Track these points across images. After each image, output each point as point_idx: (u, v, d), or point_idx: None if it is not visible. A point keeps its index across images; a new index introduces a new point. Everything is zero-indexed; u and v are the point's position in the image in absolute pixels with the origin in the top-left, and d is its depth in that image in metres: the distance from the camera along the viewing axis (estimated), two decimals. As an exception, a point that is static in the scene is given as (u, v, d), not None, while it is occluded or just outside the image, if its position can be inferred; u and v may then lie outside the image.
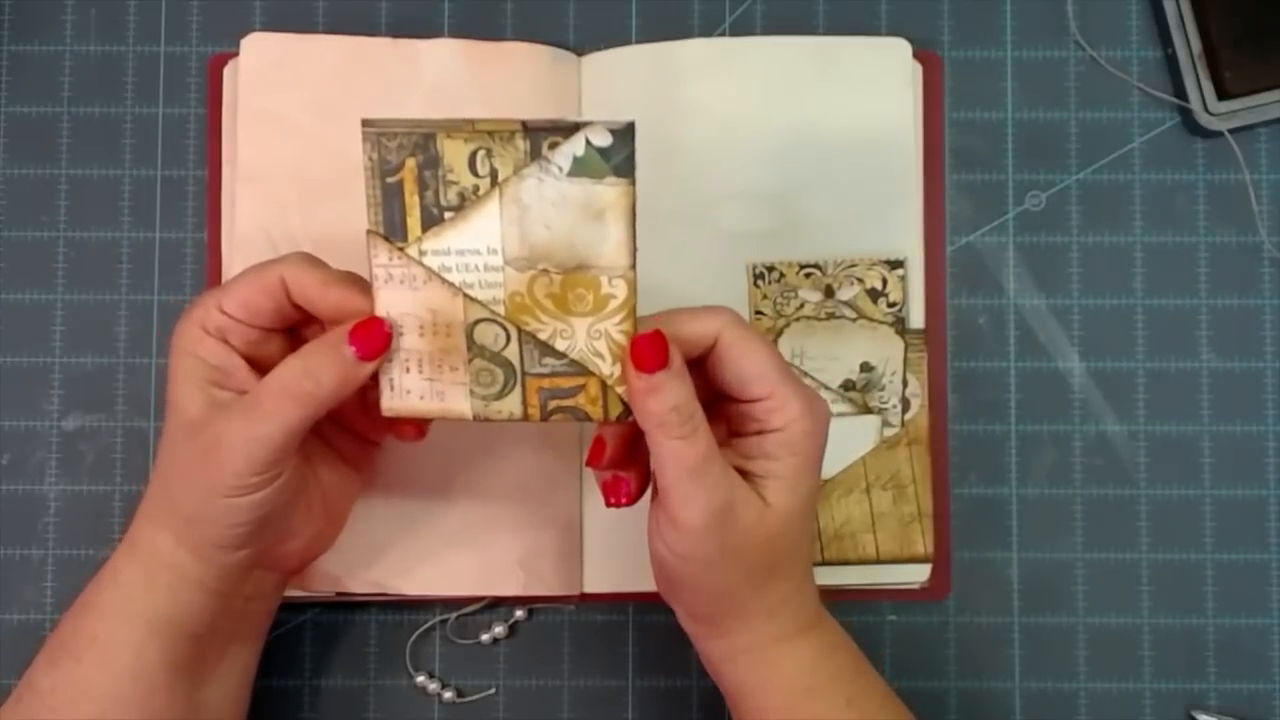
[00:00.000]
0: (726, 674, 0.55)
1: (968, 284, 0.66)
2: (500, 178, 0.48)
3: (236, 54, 0.65)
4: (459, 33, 0.66)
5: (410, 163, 0.49)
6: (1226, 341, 0.66)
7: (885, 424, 0.64)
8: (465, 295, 0.50)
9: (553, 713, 0.65)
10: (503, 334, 0.50)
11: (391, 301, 0.51)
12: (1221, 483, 0.65)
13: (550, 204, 0.48)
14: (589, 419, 0.52)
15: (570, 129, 0.47)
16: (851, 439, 0.64)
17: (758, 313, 0.64)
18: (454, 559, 0.63)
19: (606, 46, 0.66)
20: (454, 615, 0.65)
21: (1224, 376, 0.66)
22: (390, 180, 0.49)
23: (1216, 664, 0.64)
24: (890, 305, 0.64)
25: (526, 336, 0.50)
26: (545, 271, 0.49)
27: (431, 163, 0.49)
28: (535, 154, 0.47)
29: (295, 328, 0.55)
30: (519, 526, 0.63)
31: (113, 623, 0.54)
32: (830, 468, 0.64)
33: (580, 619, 0.65)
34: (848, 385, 0.64)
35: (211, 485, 0.51)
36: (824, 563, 0.64)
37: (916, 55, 0.65)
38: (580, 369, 0.50)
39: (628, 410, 0.51)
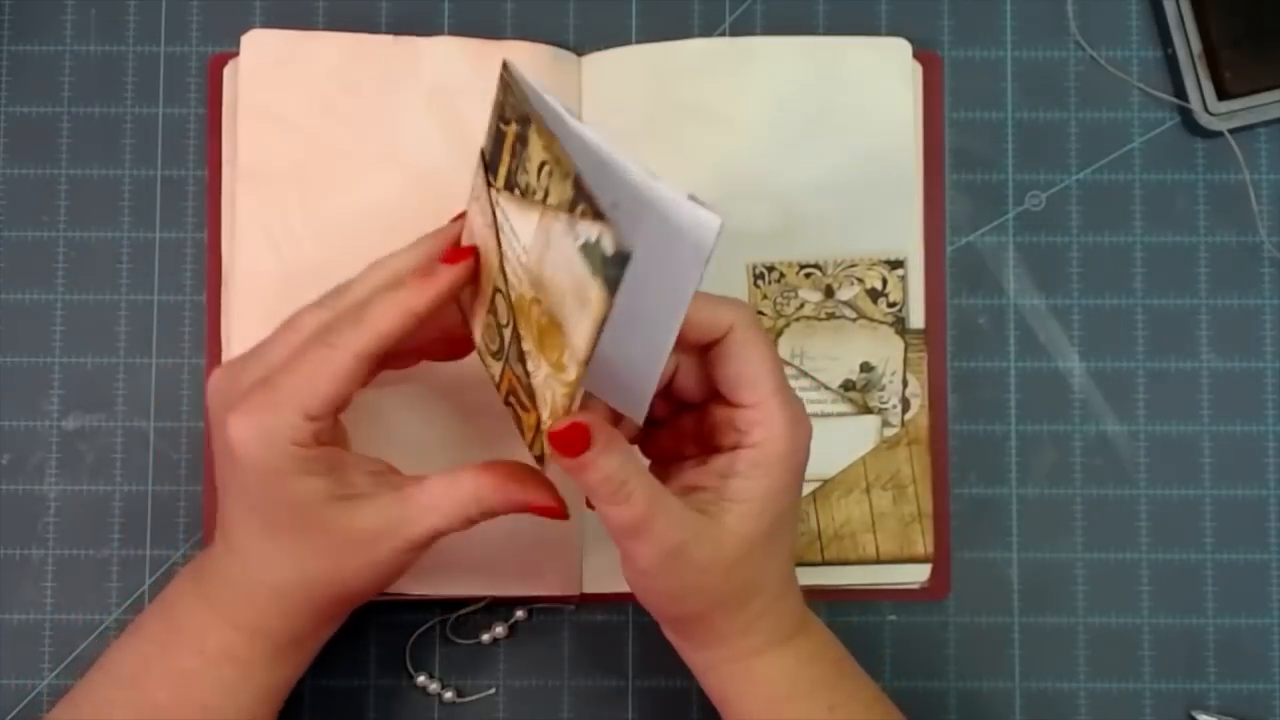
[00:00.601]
0: (709, 682, 0.55)
1: (968, 284, 0.66)
2: (549, 201, 0.45)
3: (236, 54, 0.65)
4: (459, 32, 0.66)
5: (514, 127, 0.47)
6: (1226, 341, 0.66)
7: (885, 424, 0.64)
8: (501, 263, 0.48)
9: (553, 713, 0.65)
10: (508, 316, 0.49)
11: (474, 215, 0.50)
12: (1221, 483, 0.65)
13: (563, 257, 0.45)
14: (521, 434, 0.51)
15: (597, 214, 0.43)
16: (851, 439, 0.64)
17: (758, 312, 0.64)
18: (454, 559, 0.63)
19: (606, 46, 0.66)
20: (454, 615, 0.65)
21: (1224, 376, 0.66)
22: (501, 127, 0.48)
23: (1216, 664, 0.64)
24: (890, 305, 0.64)
25: (515, 336, 0.49)
26: (539, 301, 0.47)
27: (523, 141, 0.46)
28: (572, 206, 0.44)
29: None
30: (519, 526, 0.63)
31: (237, 697, 0.54)
32: (830, 468, 0.64)
33: (580, 619, 0.65)
34: (848, 385, 0.64)
35: (381, 576, 0.53)
36: (824, 563, 0.64)
37: (916, 55, 0.65)
38: (533, 398, 0.49)
39: (543, 458, 0.50)
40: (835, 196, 0.65)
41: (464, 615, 0.65)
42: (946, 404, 0.65)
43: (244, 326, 0.62)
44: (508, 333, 0.49)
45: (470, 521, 0.52)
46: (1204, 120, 0.65)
